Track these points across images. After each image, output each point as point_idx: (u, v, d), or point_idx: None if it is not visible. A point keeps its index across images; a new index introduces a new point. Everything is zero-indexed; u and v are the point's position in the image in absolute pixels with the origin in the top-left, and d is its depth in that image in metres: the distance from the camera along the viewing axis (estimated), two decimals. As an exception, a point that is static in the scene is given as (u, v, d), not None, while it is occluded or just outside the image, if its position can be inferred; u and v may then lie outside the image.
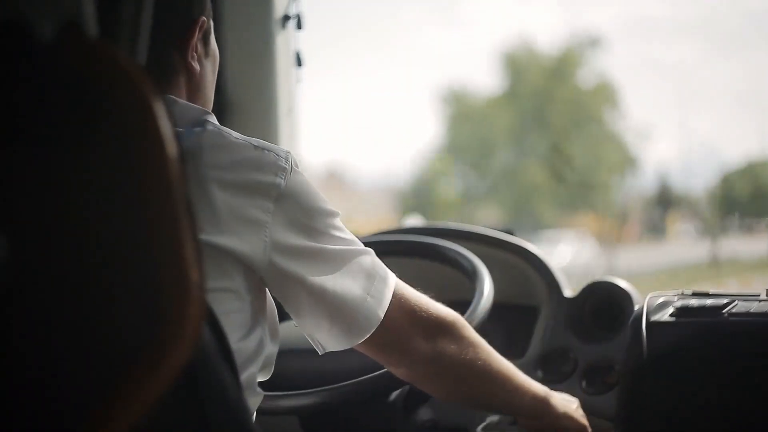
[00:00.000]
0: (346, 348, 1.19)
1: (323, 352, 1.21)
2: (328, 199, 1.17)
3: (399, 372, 1.27)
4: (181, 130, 1.08)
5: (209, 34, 1.22)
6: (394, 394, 1.46)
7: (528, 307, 1.79)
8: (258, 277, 1.13)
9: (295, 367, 1.53)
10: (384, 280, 1.19)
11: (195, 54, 1.18)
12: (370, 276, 1.17)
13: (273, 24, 1.92)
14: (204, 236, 1.04)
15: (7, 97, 0.58)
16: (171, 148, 0.59)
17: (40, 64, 0.59)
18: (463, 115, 22.67)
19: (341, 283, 1.15)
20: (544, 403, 1.38)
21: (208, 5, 1.21)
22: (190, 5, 1.18)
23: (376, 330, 1.16)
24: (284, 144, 1.96)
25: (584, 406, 1.62)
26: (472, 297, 1.48)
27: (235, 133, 1.12)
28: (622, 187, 23.19)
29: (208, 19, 1.21)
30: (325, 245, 1.14)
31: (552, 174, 20.67)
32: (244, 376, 1.11)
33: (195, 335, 0.59)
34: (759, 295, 1.56)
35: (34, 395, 0.57)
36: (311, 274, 1.13)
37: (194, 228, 0.59)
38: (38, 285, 0.57)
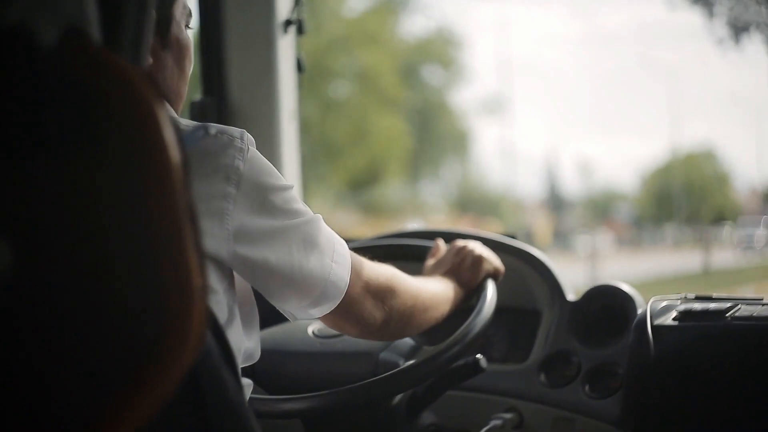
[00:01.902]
0: (316, 317, 1.22)
1: (294, 321, 1.24)
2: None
3: (353, 334, 1.31)
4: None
5: (167, 24, 1.15)
6: (397, 398, 1.46)
7: (531, 311, 1.79)
8: (227, 270, 1.11)
9: (298, 370, 1.53)
10: (341, 244, 1.21)
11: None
12: (329, 242, 1.18)
13: (275, 29, 1.92)
14: None
15: (9, 104, 0.58)
16: (174, 155, 0.59)
17: (42, 70, 0.59)
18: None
19: (306, 257, 1.15)
20: (455, 293, 1.47)
21: None
22: None
23: (341, 306, 1.19)
24: (286, 150, 1.96)
25: (588, 410, 1.62)
26: (476, 301, 1.48)
27: (185, 121, 1.10)
28: (451, 176, 19.15)
29: (169, 9, 1.15)
30: (285, 222, 1.13)
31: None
32: None
33: (199, 341, 0.59)
34: (762, 299, 1.56)
35: (38, 401, 0.57)
36: (276, 255, 1.12)
37: (197, 235, 0.59)
38: (40, 293, 0.57)
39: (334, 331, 1.54)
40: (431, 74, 17.66)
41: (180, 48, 1.18)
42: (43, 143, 0.58)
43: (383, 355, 1.50)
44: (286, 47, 1.96)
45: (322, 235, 1.17)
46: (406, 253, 1.61)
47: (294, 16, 1.95)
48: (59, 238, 0.58)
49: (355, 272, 1.22)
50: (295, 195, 1.16)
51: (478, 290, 1.51)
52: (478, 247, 1.54)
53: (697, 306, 1.52)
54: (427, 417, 1.58)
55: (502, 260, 1.58)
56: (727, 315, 1.48)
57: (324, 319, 1.24)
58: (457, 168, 19.78)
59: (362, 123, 16.44)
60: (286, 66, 1.97)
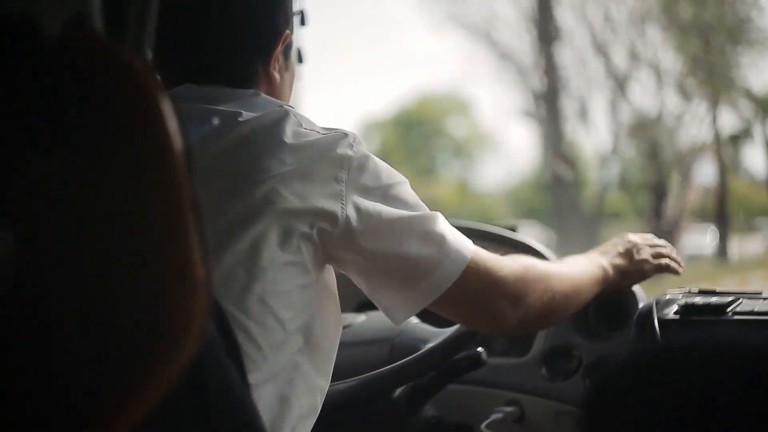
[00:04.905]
0: (421, 309, 1.21)
1: (400, 324, 1.23)
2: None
3: (487, 332, 1.37)
4: (257, 114, 1.15)
5: (290, 48, 1.30)
6: (398, 392, 1.46)
7: None
8: (324, 256, 1.15)
9: None
10: (463, 243, 1.21)
11: (276, 65, 1.26)
12: (448, 237, 1.20)
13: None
14: (282, 205, 1.10)
15: (12, 93, 0.58)
16: (177, 144, 0.59)
17: (45, 60, 0.58)
18: None
19: (418, 246, 1.17)
20: (605, 274, 1.45)
21: (292, 21, 1.29)
22: (277, 18, 1.25)
23: (464, 291, 1.20)
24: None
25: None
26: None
27: (308, 118, 1.19)
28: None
29: (291, 34, 1.28)
30: (402, 211, 1.17)
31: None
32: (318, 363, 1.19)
33: (200, 333, 0.59)
34: (761, 293, 1.56)
35: (37, 395, 0.57)
36: (387, 243, 1.16)
37: (200, 225, 0.59)
38: (41, 283, 0.57)
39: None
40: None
41: (293, 69, 1.33)
42: (46, 133, 0.58)
43: (398, 340, 1.50)
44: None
45: (438, 227, 1.19)
46: None
47: (296, 7, 1.94)
48: (60, 229, 0.58)
49: (480, 267, 1.22)
50: (410, 189, 1.21)
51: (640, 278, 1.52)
52: (654, 240, 1.56)
53: (699, 300, 1.52)
54: (428, 410, 1.58)
55: (503, 253, 1.58)
56: (728, 310, 1.48)
57: (455, 315, 1.26)
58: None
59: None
60: (288, 58, 1.96)
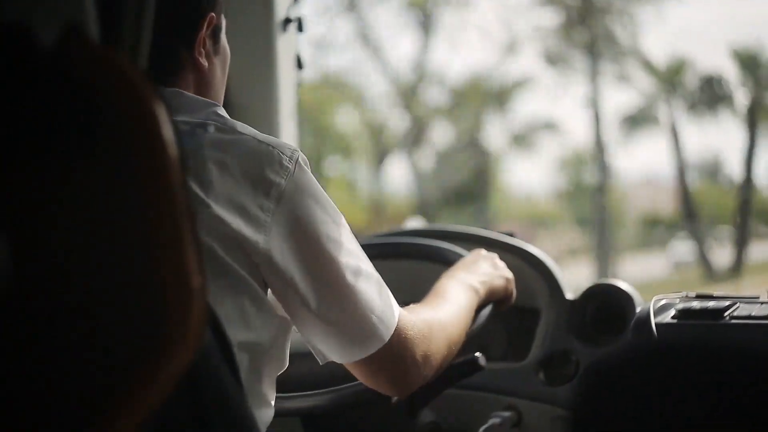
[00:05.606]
0: (344, 362, 1.16)
1: (324, 362, 1.18)
2: (335, 204, 1.13)
3: (385, 390, 1.23)
4: (186, 119, 1.07)
5: (219, 31, 1.20)
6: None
7: (529, 310, 1.78)
8: (254, 278, 1.08)
9: (297, 369, 1.53)
10: (392, 304, 1.16)
11: (203, 50, 1.16)
12: (378, 295, 1.14)
13: (274, 27, 1.92)
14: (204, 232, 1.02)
15: (8, 101, 0.58)
16: (173, 153, 0.59)
17: (41, 68, 0.59)
18: None
19: (350, 298, 1.11)
20: (478, 297, 1.39)
21: (219, 2, 1.18)
22: (198, 1, 1.15)
23: (382, 352, 1.14)
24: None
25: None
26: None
27: (240, 125, 1.11)
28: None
29: (218, 17, 1.18)
30: (329, 258, 1.10)
31: None
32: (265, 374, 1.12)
33: (196, 341, 0.59)
34: (758, 297, 1.56)
35: (35, 402, 0.57)
36: (318, 286, 1.09)
37: (196, 234, 0.59)
38: (39, 291, 0.57)
39: None
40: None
41: (225, 54, 1.22)
42: (42, 141, 0.58)
43: None
44: (285, 45, 1.96)
45: (372, 283, 1.13)
46: (438, 257, 1.59)
47: (293, 14, 1.95)
48: (58, 235, 0.58)
49: (402, 331, 1.16)
50: (347, 232, 1.13)
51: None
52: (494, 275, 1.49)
53: (696, 304, 1.52)
54: (426, 415, 1.58)
55: (501, 258, 1.58)
56: (725, 314, 1.48)
57: (365, 376, 1.18)
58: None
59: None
60: (286, 64, 1.96)
